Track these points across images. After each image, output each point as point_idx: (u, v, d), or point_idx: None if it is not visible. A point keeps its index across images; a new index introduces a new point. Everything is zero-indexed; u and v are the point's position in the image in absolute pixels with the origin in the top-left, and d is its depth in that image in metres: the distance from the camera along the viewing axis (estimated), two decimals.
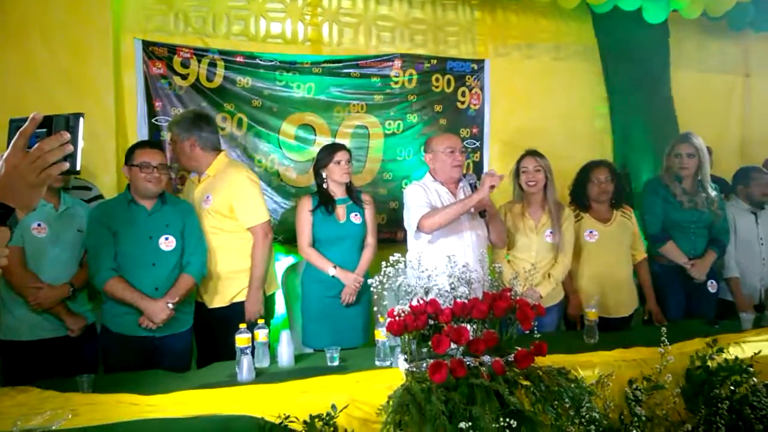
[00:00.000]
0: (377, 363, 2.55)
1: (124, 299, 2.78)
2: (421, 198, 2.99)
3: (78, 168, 1.17)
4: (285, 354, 2.61)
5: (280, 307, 3.75)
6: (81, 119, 1.17)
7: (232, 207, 3.10)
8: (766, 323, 3.23)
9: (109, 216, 2.86)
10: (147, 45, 3.77)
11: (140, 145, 2.96)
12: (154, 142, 2.99)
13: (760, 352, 2.59)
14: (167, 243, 2.89)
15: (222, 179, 3.13)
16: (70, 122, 1.16)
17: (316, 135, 4.13)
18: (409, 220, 3.03)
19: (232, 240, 3.14)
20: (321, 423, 1.97)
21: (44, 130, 1.15)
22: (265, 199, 3.52)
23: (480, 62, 4.54)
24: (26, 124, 1.14)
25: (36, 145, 1.13)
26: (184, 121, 3.20)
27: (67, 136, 1.14)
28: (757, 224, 3.87)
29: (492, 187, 2.80)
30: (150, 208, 2.89)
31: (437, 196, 3.06)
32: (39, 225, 2.92)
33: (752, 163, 4.88)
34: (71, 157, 1.15)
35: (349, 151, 3.38)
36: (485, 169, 4.62)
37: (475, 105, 4.56)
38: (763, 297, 3.85)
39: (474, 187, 3.01)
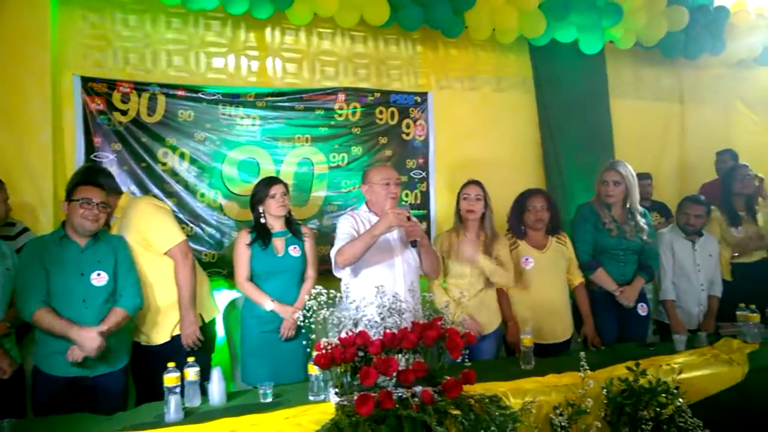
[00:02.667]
0: (311, 398, 2.53)
1: (53, 329, 2.68)
2: (346, 230, 2.97)
3: None
4: (216, 392, 2.55)
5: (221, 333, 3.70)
6: None
7: (146, 238, 3.08)
8: (699, 344, 3.32)
9: (42, 252, 2.79)
10: (86, 81, 3.75)
11: (83, 182, 2.89)
12: (96, 181, 2.94)
13: (680, 372, 2.64)
14: (99, 278, 2.84)
15: (129, 215, 3.12)
16: None
17: (259, 168, 4.13)
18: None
19: (158, 271, 3.10)
20: None
21: None
22: (205, 230, 3.45)
23: (423, 95, 4.62)
24: None
25: None
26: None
27: None
28: (693, 251, 3.98)
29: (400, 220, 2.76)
30: (83, 245, 2.84)
31: (369, 226, 3.06)
32: None
33: (690, 187, 5.09)
34: None
35: (285, 184, 3.38)
36: (432, 199, 4.68)
37: (420, 136, 4.62)
38: (701, 322, 3.94)
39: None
